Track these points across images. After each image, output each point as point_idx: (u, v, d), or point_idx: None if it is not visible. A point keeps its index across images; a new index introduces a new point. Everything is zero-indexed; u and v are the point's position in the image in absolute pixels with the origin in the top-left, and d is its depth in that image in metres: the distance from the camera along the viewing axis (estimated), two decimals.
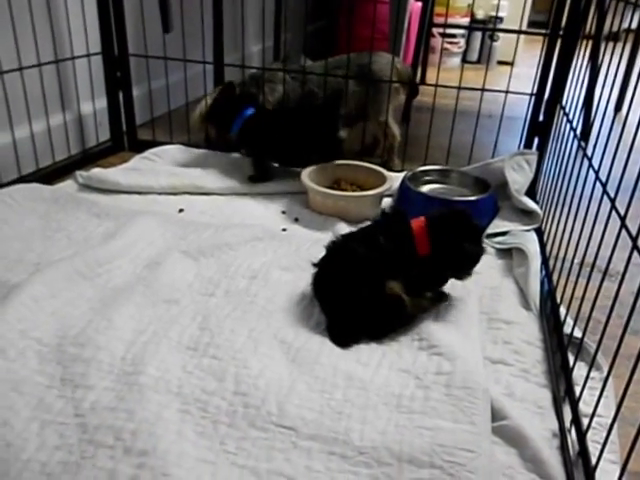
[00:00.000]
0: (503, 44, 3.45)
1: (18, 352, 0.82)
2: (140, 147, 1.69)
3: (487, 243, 1.23)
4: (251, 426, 0.72)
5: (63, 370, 0.80)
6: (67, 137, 1.57)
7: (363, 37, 2.40)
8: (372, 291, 0.89)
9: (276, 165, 1.51)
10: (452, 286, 1.03)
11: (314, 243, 1.17)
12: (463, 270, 0.97)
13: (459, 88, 1.48)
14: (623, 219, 0.70)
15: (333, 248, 0.95)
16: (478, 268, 1.14)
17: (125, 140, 1.75)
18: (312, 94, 1.63)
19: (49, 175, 1.47)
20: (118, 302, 0.94)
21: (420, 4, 2.57)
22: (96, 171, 1.46)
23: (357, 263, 0.90)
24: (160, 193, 1.44)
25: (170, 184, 1.45)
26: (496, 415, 0.76)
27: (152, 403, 0.74)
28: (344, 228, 1.24)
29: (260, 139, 1.46)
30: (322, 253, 0.96)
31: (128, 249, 1.12)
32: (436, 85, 1.51)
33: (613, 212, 0.74)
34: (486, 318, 0.99)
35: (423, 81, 2.68)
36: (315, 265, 0.96)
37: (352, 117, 1.65)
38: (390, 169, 1.49)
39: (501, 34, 3.39)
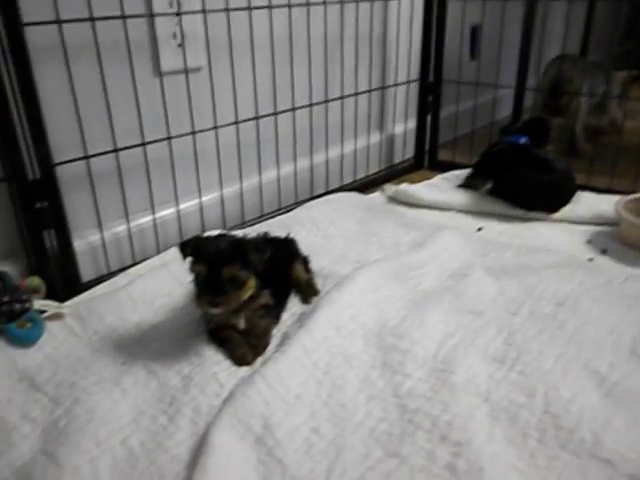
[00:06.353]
0: None
1: (348, 332, 0.96)
2: (439, 166, 1.81)
3: None
4: (562, 448, 0.72)
5: (383, 355, 0.91)
6: (380, 154, 1.76)
7: None
8: None
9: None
10: None
11: (628, 278, 1.10)
12: None
13: None
14: None
15: None
16: None
17: (426, 159, 1.88)
18: None
19: (363, 186, 1.68)
20: (428, 305, 1.03)
21: None
22: (403, 186, 1.61)
23: None
24: (459, 211, 1.51)
25: (469, 203, 1.51)
26: None
27: (463, 402, 0.80)
28: None
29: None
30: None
31: (433, 258, 1.21)
32: None
33: None
34: None
35: None
36: None
37: None
38: None
39: None
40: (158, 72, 1.19)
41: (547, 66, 1.84)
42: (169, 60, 1.20)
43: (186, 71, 1.20)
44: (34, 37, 0.97)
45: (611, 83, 1.90)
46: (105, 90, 1.09)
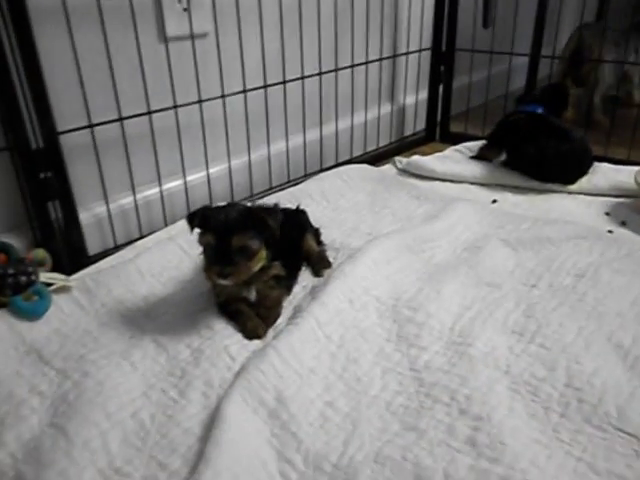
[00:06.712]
0: None
1: (362, 305, 0.94)
2: (450, 139, 1.76)
3: None
4: (586, 422, 0.70)
5: (398, 328, 0.89)
6: (391, 125, 1.72)
7: None
8: None
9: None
10: None
11: None
12: None
13: None
14: None
15: None
16: None
17: (437, 131, 1.84)
18: None
19: (373, 159, 1.64)
20: (443, 277, 1.00)
21: None
22: (415, 158, 1.57)
23: None
24: (473, 183, 1.47)
25: (483, 175, 1.47)
26: None
27: (482, 375, 0.77)
28: None
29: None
30: None
31: (448, 231, 1.18)
32: None
33: None
34: None
35: None
36: None
37: None
38: None
39: None
40: (163, 38, 1.14)
41: (571, 35, 1.77)
42: (174, 25, 1.16)
43: (192, 37, 1.15)
44: (34, 1, 0.93)
45: (636, 54, 1.84)
46: (109, 56, 1.05)
